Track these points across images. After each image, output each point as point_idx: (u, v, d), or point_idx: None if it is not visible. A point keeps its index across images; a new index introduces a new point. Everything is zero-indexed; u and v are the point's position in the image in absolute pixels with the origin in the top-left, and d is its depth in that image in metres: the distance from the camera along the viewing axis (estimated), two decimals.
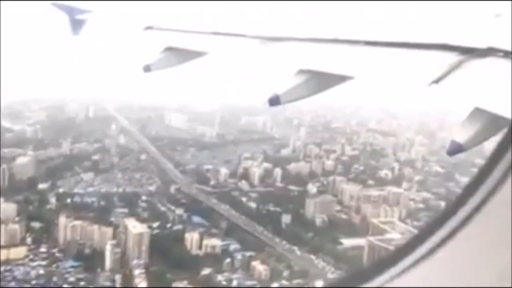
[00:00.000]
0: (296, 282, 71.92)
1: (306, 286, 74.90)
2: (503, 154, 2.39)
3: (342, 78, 5.30)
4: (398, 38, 5.10)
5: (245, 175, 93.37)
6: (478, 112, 3.99)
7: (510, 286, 2.28)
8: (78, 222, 66.10)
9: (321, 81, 5.36)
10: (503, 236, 2.32)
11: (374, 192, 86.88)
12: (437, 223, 2.52)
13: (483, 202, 2.38)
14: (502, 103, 3.65)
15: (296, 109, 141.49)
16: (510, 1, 4.55)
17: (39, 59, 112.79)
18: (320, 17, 6.49)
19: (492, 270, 2.35)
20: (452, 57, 4.41)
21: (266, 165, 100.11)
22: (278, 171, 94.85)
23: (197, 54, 7.21)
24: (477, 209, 2.38)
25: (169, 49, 7.31)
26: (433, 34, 4.90)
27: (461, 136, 4.07)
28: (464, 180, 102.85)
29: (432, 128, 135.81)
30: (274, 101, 5.25)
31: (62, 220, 66.55)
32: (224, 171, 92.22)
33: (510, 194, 2.32)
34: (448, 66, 4.32)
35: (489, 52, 4.23)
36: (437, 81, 4.27)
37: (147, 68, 7.28)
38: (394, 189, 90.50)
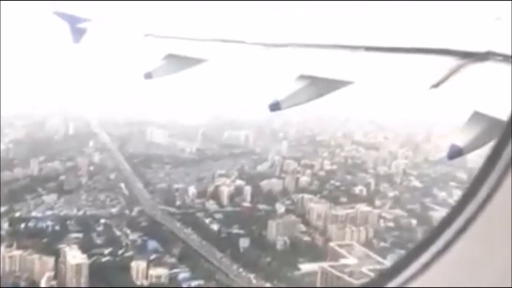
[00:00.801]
0: None
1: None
2: (500, 157, 2.41)
3: (342, 83, 5.31)
4: (397, 43, 5.13)
5: (215, 194, 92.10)
6: (478, 116, 3.98)
7: (510, 286, 2.31)
8: (17, 252, 63.05)
9: (321, 86, 5.38)
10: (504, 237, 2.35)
11: (341, 211, 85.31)
12: (439, 227, 2.56)
13: (483, 204, 2.43)
14: (502, 106, 3.59)
15: (283, 121, 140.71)
16: (509, 2, 4.57)
17: (31, 72, 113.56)
18: (320, 23, 6.55)
19: (495, 273, 2.39)
20: (451, 62, 4.43)
21: (239, 182, 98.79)
22: (248, 189, 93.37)
23: (197, 61, 7.26)
24: (478, 210, 2.43)
25: (170, 56, 7.34)
26: (432, 39, 4.93)
27: (461, 139, 4.07)
28: (442, 194, 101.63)
29: (418, 140, 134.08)
30: (275, 106, 5.30)
31: (1, 250, 63.67)
32: (192, 190, 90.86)
33: (509, 196, 2.36)
34: (447, 70, 4.33)
35: (489, 56, 4.25)
36: (436, 85, 4.28)
37: (148, 75, 7.31)
38: (363, 207, 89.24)
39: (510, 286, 2.29)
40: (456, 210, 2.51)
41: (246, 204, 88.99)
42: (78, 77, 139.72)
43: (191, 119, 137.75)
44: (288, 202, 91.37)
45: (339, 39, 5.65)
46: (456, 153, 4.07)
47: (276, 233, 78.59)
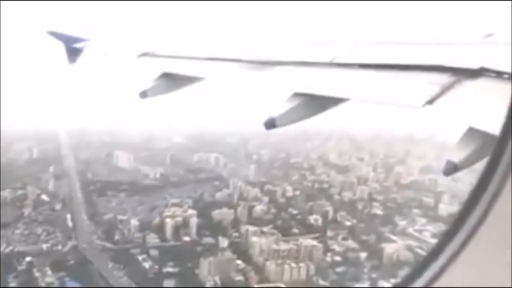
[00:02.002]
0: None
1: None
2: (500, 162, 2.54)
3: (337, 101, 5.34)
4: (391, 60, 5.18)
5: (159, 227, 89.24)
6: (472, 132, 4.04)
7: (510, 286, 2.39)
8: None
9: (316, 104, 5.40)
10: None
11: (284, 246, 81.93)
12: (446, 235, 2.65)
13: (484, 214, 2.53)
14: (496, 122, 3.51)
15: (260, 143, 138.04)
16: (509, 2, 4.57)
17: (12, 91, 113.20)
18: (314, 41, 6.65)
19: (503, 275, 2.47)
20: (445, 78, 4.48)
21: (190, 212, 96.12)
22: (194, 221, 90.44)
23: (193, 80, 7.31)
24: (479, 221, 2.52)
25: (165, 75, 7.40)
26: (426, 56, 4.98)
27: (456, 155, 4.08)
28: (403, 223, 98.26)
29: (392, 162, 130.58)
30: (270, 124, 5.26)
31: None
32: (134, 223, 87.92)
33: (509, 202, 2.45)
34: (441, 87, 4.39)
35: (482, 72, 4.33)
36: (430, 101, 4.33)
37: (143, 94, 7.33)
38: (307, 241, 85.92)
39: (510, 286, 2.37)
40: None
41: (187, 238, 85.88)
42: (62, 96, 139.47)
43: (165, 141, 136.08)
44: (236, 234, 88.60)
45: (333, 57, 5.66)
46: (451, 169, 4.06)
47: (208, 272, 75.30)
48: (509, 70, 4.14)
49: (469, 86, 4.35)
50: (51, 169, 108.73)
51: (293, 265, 78.55)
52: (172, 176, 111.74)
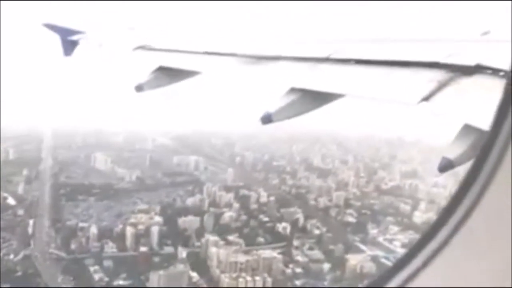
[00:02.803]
0: None
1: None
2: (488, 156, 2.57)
3: (333, 96, 5.33)
4: (387, 56, 5.14)
5: (120, 235, 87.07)
6: (468, 129, 4.03)
7: (510, 286, 2.39)
8: None
9: (312, 99, 5.37)
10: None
11: (242, 258, 79.61)
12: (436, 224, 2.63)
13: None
14: (491, 119, 3.49)
15: (246, 145, 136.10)
16: (509, 2, 4.69)
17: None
18: (310, 36, 6.59)
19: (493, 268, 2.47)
20: (441, 75, 4.48)
21: (156, 219, 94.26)
22: (156, 230, 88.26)
23: (189, 74, 7.26)
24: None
25: (161, 68, 7.36)
26: (422, 53, 4.96)
27: (452, 152, 4.07)
28: (374, 232, 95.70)
29: (376, 166, 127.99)
30: (266, 119, 5.22)
31: None
32: (93, 231, 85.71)
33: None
34: (437, 84, 4.40)
35: (478, 69, 4.33)
36: (427, 98, 4.34)
37: (139, 88, 7.25)
38: (267, 252, 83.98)
39: (510, 286, 2.36)
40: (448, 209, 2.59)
41: (144, 249, 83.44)
42: (50, 94, 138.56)
43: (148, 141, 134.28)
44: (198, 243, 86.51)
45: (330, 52, 5.62)
46: (446, 165, 4.05)
47: (157, 285, 73.12)
48: (505, 68, 4.14)
49: (465, 83, 4.33)
50: (25, 171, 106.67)
51: (249, 278, 76.34)
52: (148, 179, 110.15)
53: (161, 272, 74.69)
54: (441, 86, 4.37)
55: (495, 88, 3.87)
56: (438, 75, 4.49)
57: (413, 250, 2.51)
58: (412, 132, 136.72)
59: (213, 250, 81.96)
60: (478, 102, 4.08)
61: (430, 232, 2.53)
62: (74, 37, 9.77)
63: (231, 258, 79.09)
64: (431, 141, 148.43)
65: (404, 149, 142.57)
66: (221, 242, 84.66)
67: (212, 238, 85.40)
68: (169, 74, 7.33)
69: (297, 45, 6.40)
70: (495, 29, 4.78)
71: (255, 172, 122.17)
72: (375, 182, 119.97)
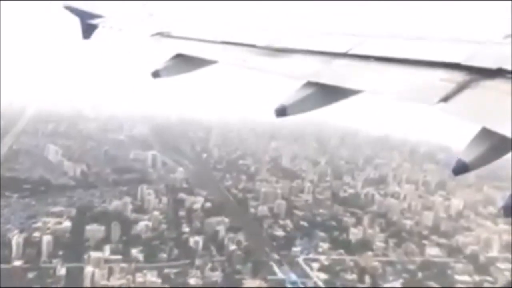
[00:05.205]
0: None
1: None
2: None
3: (350, 92, 5.28)
4: (407, 55, 5.07)
5: (7, 245, 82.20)
6: (485, 133, 3.98)
7: (510, 286, 2.22)
8: None
9: (328, 94, 5.31)
10: None
11: (115, 281, 79.19)
12: None
13: None
14: (510, 124, 3.63)
15: (225, 138, 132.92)
16: (509, 2, 4.90)
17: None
18: (331, 30, 6.46)
19: None
20: (461, 76, 4.43)
21: (64, 225, 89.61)
22: (47, 240, 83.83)
23: (206, 62, 7.19)
24: None
25: (178, 56, 7.36)
26: (443, 53, 4.86)
27: (468, 155, 3.99)
28: (298, 249, 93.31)
29: (346, 170, 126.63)
30: (281, 112, 5.16)
31: None
32: None
33: None
34: (457, 85, 4.35)
35: (499, 73, 4.27)
36: (445, 99, 4.28)
37: (156, 74, 7.25)
38: (148, 275, 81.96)
39: (510, 286, 2.19)
40: None
41: (18, 263, 78.91)
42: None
43: (118, 133, 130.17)
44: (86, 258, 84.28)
45: (349, 48, 5.56)
46: (461, 168, 3.96)
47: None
48: None
49: (485, 86, 4.27)
50: None
51: None
52: (92, 176, 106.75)
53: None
54: (460, 88, 4.33)
55: None
56: (458, 77, 4.46)
57: None
58: (401, 130, 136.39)
59: (88, 269, 78.78)
60: (498, 106, 4.04)
61: None
62: (94, 21, 9.97)
63: (102, 281, 76.35)
64: (420, 141, 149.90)
65: (387, 150, 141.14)
66: (105, 259, 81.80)
67: (96, 254, 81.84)
68: (186, 62, 7.35)
69: (316, 39, 6.28)
70: None
71: (214, 171, 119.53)
72: (334, 188, 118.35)
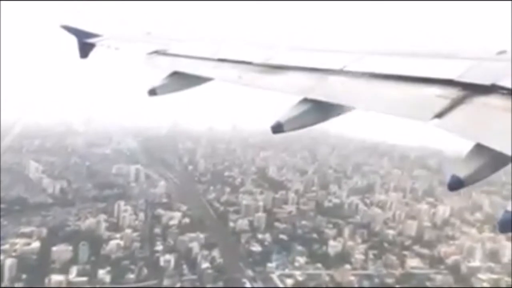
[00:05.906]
0: None
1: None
2: None
3: (345, 109, 5.39)
4: (401, 71, 5.14)
5: None
6: (479, 149, 4.03)
7: (510, 286, 2.32)
8: None
9: (324, 110, 5.40)
10: None
11: None
12: None
13: None
14: (504, 140, 3.69)
15: (214, 149, 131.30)
16: (509, 2, 5.03)
17: None
18: (326, 47, 6.56)
19: None
20: (455, 93, 4.48)
21: (32, 246, 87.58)
22: (10, 262, 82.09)
23: (203, 80, 7.30)
24: None
25: (175, 73, 7.45)
26: (436, 69, 4.92)
27: (462, 171, 4.02)
28: (274, 264, 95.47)
29: (332, 179, 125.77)
30: (277, 129, 5.25)
31: None
32: None
33: None
34: (451, 101, 4.39)
35: (493, 89, 4.33)
36: (439, 115, 4.32)
37: (152, 92, 7.33)
38: None
39: (510, 286, 2.30)
40: None
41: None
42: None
43: (104, 147, 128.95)
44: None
45: (343, 65, 5.64)
46: (457, 184, 3.99)
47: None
48: None
49: (479, 102, 4.31)
50: None
51: None
52: (71, 193, 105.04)
53: None
54: (454, 104, 4.38)
55: (510, 109, 3.98)
56: (452, 93, 4.50)
57: None
58: (392, 137, 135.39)
59: None
60: (492, 122, 4.08)
61: None
62: (91, 40, 10.00)
63: None
64: (409, 149, 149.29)
65: (377, 156, 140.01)
66: (69, 281, 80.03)
67: (58, 277, 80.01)
68: (183, 79, 7.42)
69: (311, 56, 6.40)
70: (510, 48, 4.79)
71: (199, 183, 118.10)
72: (319, 198, 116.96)
